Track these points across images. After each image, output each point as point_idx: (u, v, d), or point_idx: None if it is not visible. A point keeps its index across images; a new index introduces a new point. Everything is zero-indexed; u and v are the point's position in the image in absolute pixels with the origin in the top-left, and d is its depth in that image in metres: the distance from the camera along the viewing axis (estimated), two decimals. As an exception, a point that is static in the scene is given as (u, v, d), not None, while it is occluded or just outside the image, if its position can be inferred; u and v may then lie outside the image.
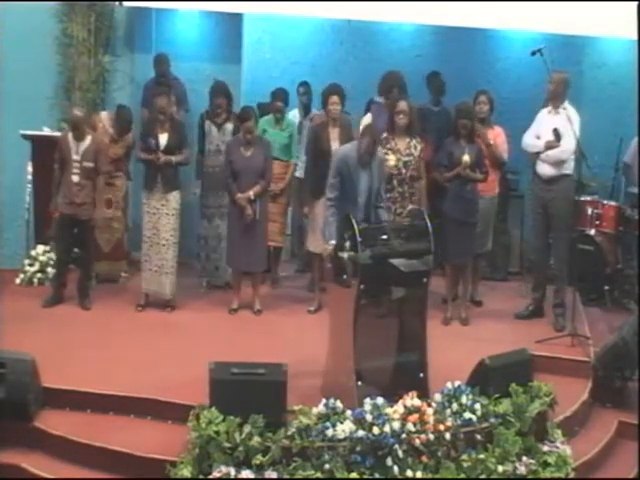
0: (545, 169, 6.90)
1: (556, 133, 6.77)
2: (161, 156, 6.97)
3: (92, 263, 7.38)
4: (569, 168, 6.87)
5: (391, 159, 6.76)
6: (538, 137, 6.93)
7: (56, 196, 7.02)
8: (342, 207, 5.70)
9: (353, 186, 5.78)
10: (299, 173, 8.05)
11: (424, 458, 4.69)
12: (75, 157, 6.94)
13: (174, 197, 7.08)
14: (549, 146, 6.81)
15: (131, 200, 8.06)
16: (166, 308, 7.12)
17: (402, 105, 6.87)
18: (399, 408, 4.79)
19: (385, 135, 6.90)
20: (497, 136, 7.41)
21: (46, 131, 7.86)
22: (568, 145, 6.73)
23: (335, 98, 7.05)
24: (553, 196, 6.87)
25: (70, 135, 6.99)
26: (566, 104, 6.84)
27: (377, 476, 4.60)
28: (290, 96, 8.18)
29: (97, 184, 7.05)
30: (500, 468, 4.80)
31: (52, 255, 7.57)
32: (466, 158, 6.84)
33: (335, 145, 6.95)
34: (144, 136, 7.11)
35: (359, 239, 5.07)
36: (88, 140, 6.99)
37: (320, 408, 4.77)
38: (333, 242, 5.47)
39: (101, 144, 7.15)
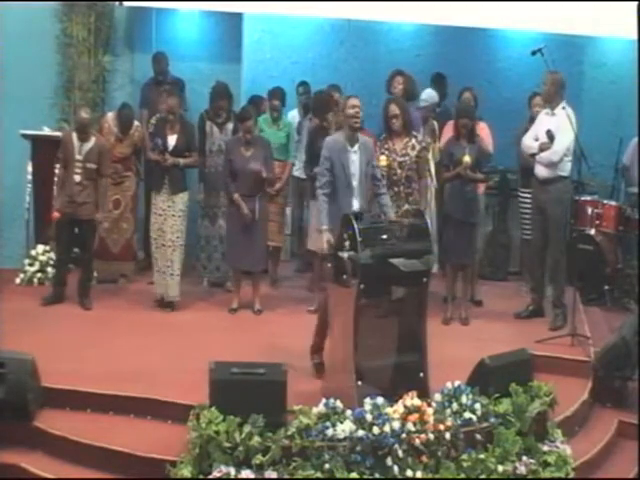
0: (540, 170, 6.90)
1: (549, 135, 6.77)
2: (168, 157, 6.97)
3: (92, 263, 7.36)
4: (565, 170, 6.85)
5: (382, 159, 6.70)
6: (537, 139, 6.93)
7: (58, 196, 7.01)
8: (336, 193, 5.74)
9: (344, 169, 5.74)
10: (299, 173, 8.04)
11: (424, 458, 4.68)
12: (78, 157, 6.93)
13: (181, 199, 7.07)
14: (543, 148, 6.82)
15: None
16: (166, 308, 7.11)
17: (393, 109, 6.82)
18: (399, 408, 4.78)
19: (383, 136, 6.90)
20: (482, 130, 7.39)
21: (46, 131, 7.87)
22: (559, 147, 6.73)
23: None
24: (548, 197, 6.86)
25: (74, 135, 6.98)
26: (564, 105, 6.81)
27: (377, 476, 4.59)
28: (289, 96, 8.18)
29: (100, 186, 7.04)
30: (500, 468, 4.79)
31: (52, 255, 7.57)
32: (467, 159, 6.84)
33: None
34: (152, 136, 7.11)
35: (359, 239, 5.07)
36: (92, 142, 6.98)
37: (320, 408, 4.77)
38: (325, 227, 5.53)
39: (105, 147, 7.12)
